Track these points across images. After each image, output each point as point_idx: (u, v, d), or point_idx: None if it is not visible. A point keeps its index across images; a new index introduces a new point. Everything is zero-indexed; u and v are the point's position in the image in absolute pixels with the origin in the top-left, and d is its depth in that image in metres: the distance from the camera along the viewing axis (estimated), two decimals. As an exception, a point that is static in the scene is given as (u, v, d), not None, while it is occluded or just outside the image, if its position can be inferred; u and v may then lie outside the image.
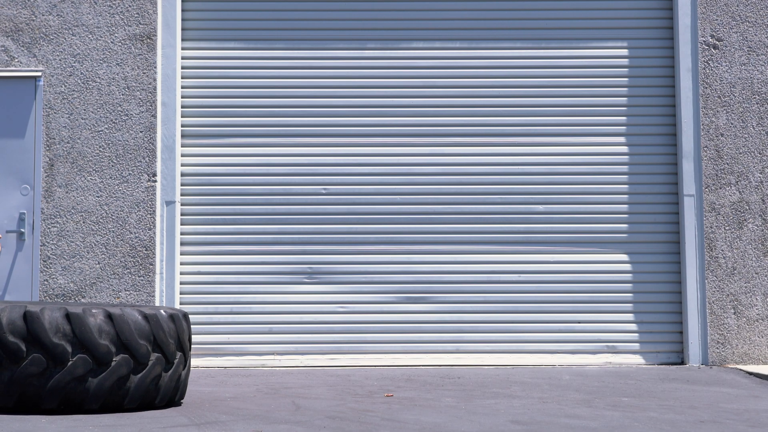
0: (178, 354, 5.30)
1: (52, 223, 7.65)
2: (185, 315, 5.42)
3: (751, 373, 7.29)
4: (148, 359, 5.07)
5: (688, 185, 7.88)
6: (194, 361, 7.80)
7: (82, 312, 4.91)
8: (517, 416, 5.32)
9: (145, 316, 5.07)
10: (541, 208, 8.04)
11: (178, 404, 5.51)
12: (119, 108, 7.77)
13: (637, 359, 7.94)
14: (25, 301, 5.72)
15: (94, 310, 4.96)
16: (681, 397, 6.18)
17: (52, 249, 7.64)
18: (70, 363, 4.86)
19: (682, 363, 7.89)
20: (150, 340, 5.07)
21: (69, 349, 4.85)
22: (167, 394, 5.27)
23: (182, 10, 8.04)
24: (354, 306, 7.96)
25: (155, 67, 7.80)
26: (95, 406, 4.94)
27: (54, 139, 7.69)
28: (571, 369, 7.68)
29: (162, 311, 5.19)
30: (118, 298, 7.64)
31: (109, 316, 4.96)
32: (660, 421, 5.22)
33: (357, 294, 7.97)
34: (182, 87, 8.03)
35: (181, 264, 7.88)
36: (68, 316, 4.89)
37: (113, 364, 4.94)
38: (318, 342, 7.92)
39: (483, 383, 6.78)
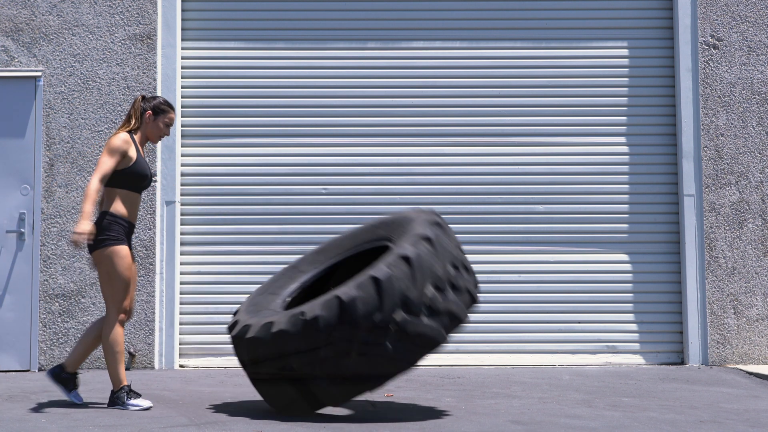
0: None
1: (52, 223, 7.64)
2: None
3: (751, 373, 7.29)
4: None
5: (688, 185, 7.88)
6: (194, 361, 7.80)
7: None
8: (517, 416, 5.32)
9: None
10: (541, 208, 8.03)
11: None
12: (119, 108, 7.77)
13: (637, 359, 7.94)
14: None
15: None
16: (681, 397, 6.18)
17: (52, 249, 7.63)
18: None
19: (682, 363, 7.88)
20: None
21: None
22: None
23: (182, 10, 8.03)
24: (354, 306, 7.94)
25: (155, 67, 7.79)
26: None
27: (54, 139, 7.69)
28: (571, 369, 7.67)
29: None
30: (118, 298, 7.63)
31: None
32: (660, 421, 5.22)
33: (357, 294, 7.95)
34: (182, 87, 8.02)
35: (181, 264, 7.87)
36: None
37: None
38: (318, 342, 7.90)
39: (483, 383, 6.78)
